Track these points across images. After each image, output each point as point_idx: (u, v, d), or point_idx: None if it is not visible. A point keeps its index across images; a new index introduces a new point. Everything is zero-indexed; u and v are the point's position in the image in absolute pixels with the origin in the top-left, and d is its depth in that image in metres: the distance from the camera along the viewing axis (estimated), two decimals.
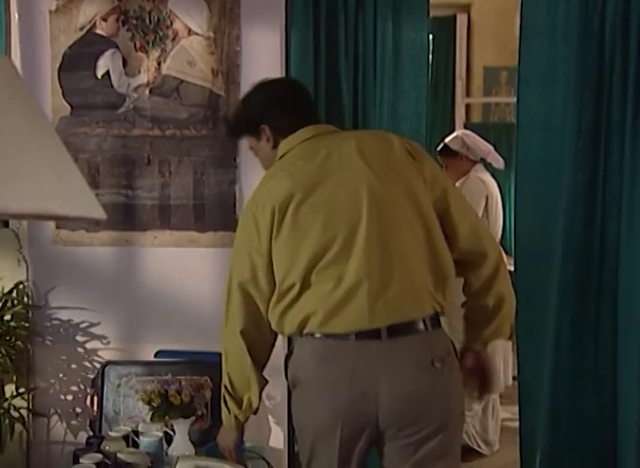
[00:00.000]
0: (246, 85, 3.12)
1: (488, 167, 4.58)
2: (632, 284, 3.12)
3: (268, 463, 2.93)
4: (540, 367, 3.22)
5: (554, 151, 3.12)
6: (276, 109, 2.39)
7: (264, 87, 2.47)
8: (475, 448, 4.31)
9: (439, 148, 4.49)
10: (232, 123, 2.57)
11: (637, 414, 3.12)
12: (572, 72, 3.07)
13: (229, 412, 2.44)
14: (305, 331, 2.22)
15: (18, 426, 3.08)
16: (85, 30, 3.19)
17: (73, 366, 3.23)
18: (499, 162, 4.47)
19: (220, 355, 3.06)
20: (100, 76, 3.18)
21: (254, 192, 2.35)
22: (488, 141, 4.58)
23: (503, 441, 4.39)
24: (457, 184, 4.49)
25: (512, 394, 4.40)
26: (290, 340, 2.43)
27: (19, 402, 3.13)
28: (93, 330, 3.23)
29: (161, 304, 3.22)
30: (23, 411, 3.13)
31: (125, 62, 3.18)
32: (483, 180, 4.40)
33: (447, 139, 4.54)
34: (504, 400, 4.55)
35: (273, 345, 2.42)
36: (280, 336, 2.41)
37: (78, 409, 3.23)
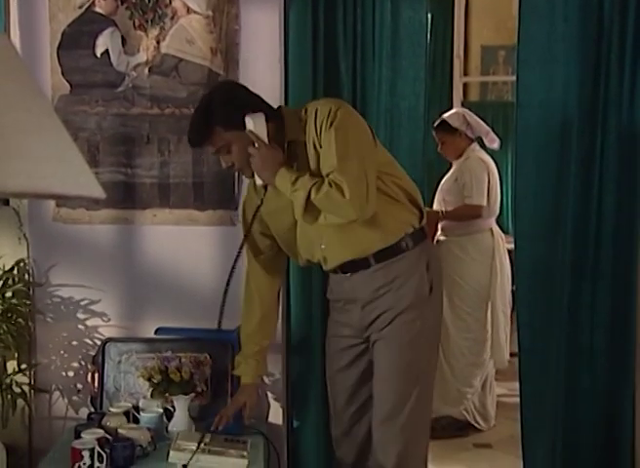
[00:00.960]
0: (245, 64, 3.14)
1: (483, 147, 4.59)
2: (626, 260, 3.15)
3: (267, 438, 2.97)
4: (539, 344, 3.25)
5: (553, 130, 3.13)
6: (253, 97, 2.60)
7: (223, 87, 2.75)
8: (473, 423, 4.36)
9: (436, 124, 4.49)
10: (211, 121, 2.53)
11: (632, 386, 3.17)
12: (571, 50, 3.07)
13: None
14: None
15: (20, 402, 3.11)
16: (84, 8, 3.18)
17: (74, 343, 3.26)
18: (495, 142, 4.49)
19: (220, 332, 3.10)
20: (99, 55, 3.18)
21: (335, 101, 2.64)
22: (484, 121, 4.59)
23: (499, 416, 4.44)
24: (455, 163, 4.51)
25: (507, 371, 4.46)
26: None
27: (20, 378, 3.16)
28: (93, 307, 3.25)
29: (161, 282, 3.24)
30: (25, 387, 3.15)
31: (124, 41, 3.18)
32: (483, 160, 4.42)
33: (445, 115, 4.54)
34: (500, 376, 4.60)
35: None
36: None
37: (79, 386, 3.26)
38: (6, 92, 0.92)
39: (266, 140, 2.51)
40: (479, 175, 4.34)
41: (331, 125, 2.48)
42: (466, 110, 4.61)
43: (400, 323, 2.63)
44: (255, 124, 2.50)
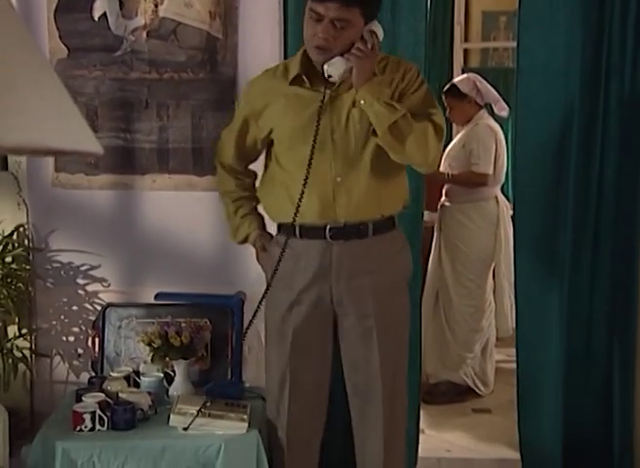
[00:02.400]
0: (244, 28, 3.11)
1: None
2: (628, 229, 3.14)
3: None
4: (536, 311, 3.26)
5: (554, 95, 3.11)
6: None
7: None
8: (473, 387, 4.38)
9: (446, 88, 4.47)
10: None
11: (632, 355, 3.18)
12: (573, 15, 3.04)
13: None
14: None
15: (21, 366, 3.13)
16: None
17: (74, 308, 3.27)
18: (504, 110, 4.46)
19: (220, 297, 3.12)
20: (96, 18, 3.15)
21: None
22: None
23: (498, 382, 4.46)
24: (462, 129, 4.49)
25: (507, 337, 4.48)
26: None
27: (21, 342, 3.18)
28: (93, 272, 3.26)
29: (160, 247, 3.24)
30: (26, 352, 3.17)
31: (121, 4, 3.15)
32: (492, 128, 4.40)
33: (456, 80, 4.52)
34: (499, 342, 4.62)
35: None
36: None
37: (80, 350, 3.28)
38: (1, 45, 0.91)
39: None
40: (487, 142, 4.32)
41: (421, 84, 2.50)
42: (477, 76, 4.55)
43: (394, 306, 2.60)
44: (379, 31, 2.45)
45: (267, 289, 2.50)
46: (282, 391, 2.64)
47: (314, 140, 2.40)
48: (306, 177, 2.40)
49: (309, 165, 2.39)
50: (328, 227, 2.50)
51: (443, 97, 4.45)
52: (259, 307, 2.50)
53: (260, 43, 3.11)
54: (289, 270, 2.53)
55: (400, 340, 2.65)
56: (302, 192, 2.39)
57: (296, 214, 2.41)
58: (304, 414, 2.67)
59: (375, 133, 2.41)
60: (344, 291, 2.55)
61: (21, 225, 3.21)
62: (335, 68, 2.38)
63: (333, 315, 2.61)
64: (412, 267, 2.69)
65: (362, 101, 2.40)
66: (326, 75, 2.40)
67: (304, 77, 2.48)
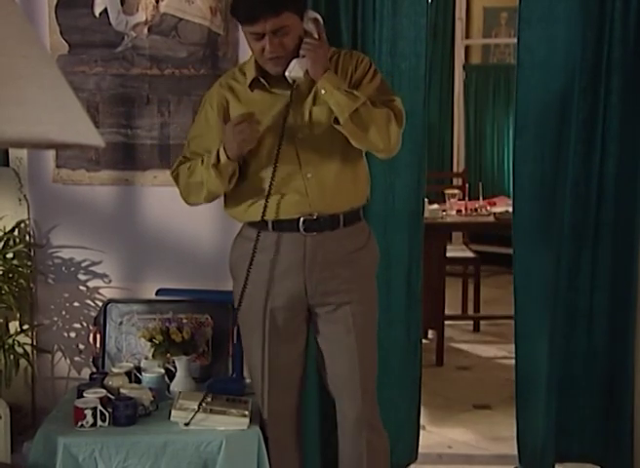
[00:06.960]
0: None
1: None
2: (628, 225, 3.14)
3: None
4: (536, 306, 3.25)
5: (554, 91, 3.11)
6: None
7: None
8: None
9: None
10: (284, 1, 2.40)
11: (631, 352, 3.18)
12: (573, 9, 3.04)
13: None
14: None
15: (22, 362, 3.13)
16: None
17: (76, 304, 3.27)
18: None
19: (221, 293, 3.11)
20: (97, 14, 3.15)
21: None
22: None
23: (499, 378, 4.46)
24: None
25: (507, 333, 4.47)
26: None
27: (23, 338, 3.18)
28: (94, 268, 3.26)
29: (162, 243, 3.25)
30: (28, 348, 3.18)
31: (123, 0, 3.15)
32: None
33: None
34: (500, 339, 4.62)
35: None
36: None
37: (81, 346, 3.28)
38: (2, 38, 0.91)
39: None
40: None
41: (375, 73, 2.56)
42: None
43: (366, 293, 2.67)
44: (318, 19, 2.51)
45: (246, 282, 2.55)
46: (262, 377, 2.68)
47: (279, 146, 2.46)
48: (272, 180, 2.47)
49: (274, 169, 2.47)
50: (301, 220, 2.55)
51: None
52: (240, 301, 2.57)
53: None
54: (262, 262, 2.58)
55: (372, 323, 2.70)
56: (269, 193, 2.48)
57: (264, 213, 2.49)
58: (282, 399, 2.72)
59: (336, 121, 2.44)
60: (318, 282, 2.58)
61: (23, 221, 3.22)
62: (296, 72, 2.45)
63: (307, 305, 2.64)
64: (379, 257, 2.75)
65: (322, 91, 2.44)
66: (290, 81, 2.46)
67: (263, 80, 2.53)
